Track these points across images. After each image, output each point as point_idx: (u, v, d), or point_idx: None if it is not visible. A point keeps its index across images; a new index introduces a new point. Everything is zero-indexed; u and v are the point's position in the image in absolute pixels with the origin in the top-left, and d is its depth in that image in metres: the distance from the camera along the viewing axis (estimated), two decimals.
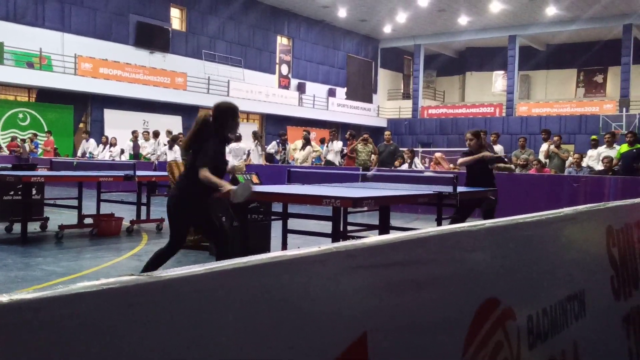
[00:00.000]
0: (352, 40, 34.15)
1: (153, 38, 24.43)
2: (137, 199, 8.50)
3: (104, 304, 0.75)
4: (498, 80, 36.84)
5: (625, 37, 28.39)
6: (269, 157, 15.01)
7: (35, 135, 19.69)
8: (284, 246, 5.97)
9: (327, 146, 14.44)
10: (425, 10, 28.51)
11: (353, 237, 5.63)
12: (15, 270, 5.34)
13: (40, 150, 18.95)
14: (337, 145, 14.34)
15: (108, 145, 17.68)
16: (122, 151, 17.79)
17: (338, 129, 22.77)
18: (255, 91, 27.10)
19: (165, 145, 16.22)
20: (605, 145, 11.90)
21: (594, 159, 11.96)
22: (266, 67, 29.52)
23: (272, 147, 15.25)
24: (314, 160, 14.60)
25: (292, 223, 6.12)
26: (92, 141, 18.38)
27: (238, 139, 14.03)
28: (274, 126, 27.80)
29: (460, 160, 7.49)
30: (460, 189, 5.85)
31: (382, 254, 1.26)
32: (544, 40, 33.39)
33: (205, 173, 4.15)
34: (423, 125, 33.09)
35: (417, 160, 14.69)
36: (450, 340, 1.44)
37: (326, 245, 1.14)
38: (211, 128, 4.35)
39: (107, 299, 0.75)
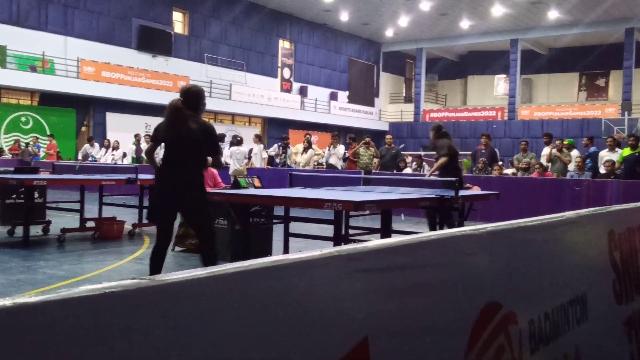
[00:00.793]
0: (354, 44, 34.19)
1: (155, 42, 24.49)
2: (139, 202, 8.51)
3: (107, 307, 0.75)
4: (500, 84, 36.84)
5: (628, 40, 28.39)
6: (270, 160, 15.03)
7: (37, 138, 19.73)
8: (286, 250, 5.97)
9: (329, 150, 14.45)
10: (427, 14, 28.54)
11: (355, 241, 5.63)
12: (17, 274, 5.35)
13: (42, 154, 18.99)
14: (340, 149, 14.34)
15: (110, 149, 17.70)
16: (125, 154, 17.82)
17: (340, 133, 22.79)
18: (258, 95, 27.12)
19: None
20: (607, 149, 11.90)
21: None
22: (268, 71, 29.56)
23: (272, 150, 15.27)
24: (315, 163, 14.60)
25: (294, 226, 6.12)
26: (96, 145, 18.45)
27: (239, 142, 14.05)
28: (276, 130, 27.81)
29: (428, 175, 8.04)
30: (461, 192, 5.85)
31: (383, 258, 1.27)
32: (546, 44, 33.40)
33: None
34: (425, 128, 33.08)
35: (426, 165, 14.67)
36: (452, 344, 1.44)
37: (328, 249, 1.15)
38: (185, 113, 4.43)
39: (110, 302, 0.75)
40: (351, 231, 6.47)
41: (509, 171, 13.27)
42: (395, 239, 1.35)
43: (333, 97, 32.24)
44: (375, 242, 1.29)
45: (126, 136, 19.71)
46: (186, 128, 4.36)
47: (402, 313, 1.28)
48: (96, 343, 0.73)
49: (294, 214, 6.16)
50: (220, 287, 0.90)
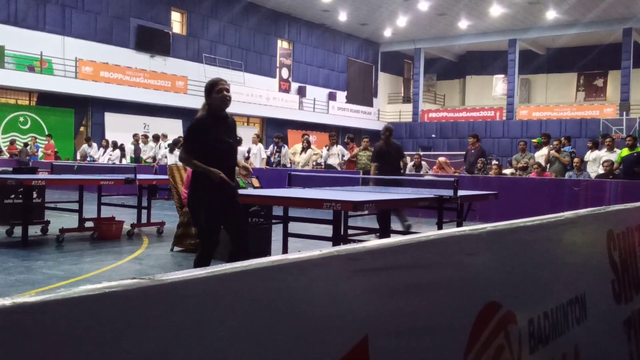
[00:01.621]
0: (353, 44, 34.20)
1: (154, 42, 24.48)
2: (137, 203, 8.50)
3: (106, 307, 0.75)
4: (498, 84, 36.89)
5: (625, 40, 28.44)
6: (268, 160, 15.03)
7: (36, 138, 19.71)
8: (285, 250, 5.97)
9: (327, 150, 14.45)
10: (426, 14, 28.56)
11: (354, 241, 5.63)
12: (16, 274, 5.34)
13: (41, 154, 18.97)
14: (337, 149, 14.35)
15: (110, 149, 17.69)
16: (123, 155, 17.81)
17: (338, 133, 22.79)
18: (256, 95, 27.13)
19: (165, 148, 16.24)
20: (605, 149, 11.92)
21: (540, 157, 12.58)
22: (267, 71, 29.56)
23: (269, 150, 15.27)
24: (314, 163, 14.60)
25: (293, 226, 6.12)
26: (94, 145, 18.45)
27: (238, 142, 14.00)
28: (275, 130, 27.80)
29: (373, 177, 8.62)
30: (460, 192, 5.85)
31: (383, 258, 1.27)
32: (544, 44, 33.45)
33: (181, 156, 4.12)
34: (423, 129, 33.12)
35: (424, 164, 14.67)
36: (452, 344, 1.44)
37: (327, 249, 1.14)
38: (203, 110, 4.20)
39: (110, 302, 0.75)
40: (350, 231, 6.48)
41: (507, 171, 13.30)
42: (394, 239, 1.35)
43: (331, 97, 32.26)
44: (374, 242, 1.29)
45: (125, 136, 19.70)
46: (229, 130, 4.13)
47: (401, 313, 1.28)
48: (96, 343, 0.73)
49: (292, 214, 6.16)
50: (219, 287, 0.90)
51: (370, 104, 35.14)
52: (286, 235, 5.95)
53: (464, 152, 14.35)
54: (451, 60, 37.81)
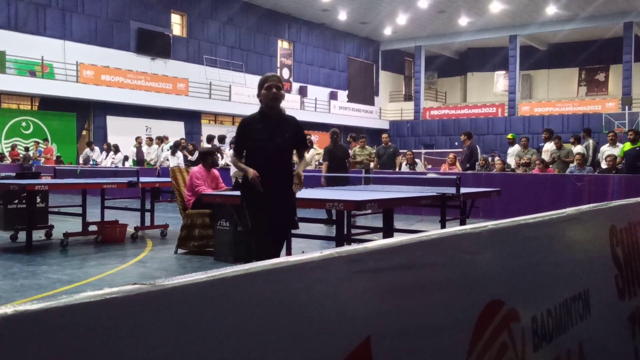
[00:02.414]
0: (353, 43, 34.20)
1: (154, 44, 24.51)
2: (141, 205, 8.52)
3: (107, 313, 0.75)
4: (499, 80, 36.83)
5: (626, 35, 28.36)
6: None
7: (38, 143, 19.76)
8: (288, 251, 5.97)
9: None
10: (425, 12, 28.53)
11: (357, 241, 5.63)
12: (20, 279, 5.35)
13: (42, 159, 19.02)
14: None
15: (112, 152, 17.72)
16: (126, 158, 17.84)
17: (341, 132, 22.77)
18: None
19: (167, 150, 16.26)
20: (608, 144, 11.90)
21: (511, 156, 12.92)
22: (267, 71, 29.39)
23: None
24: (317, 163, 14.60)
25: None
26: (97, 149, 18.48)
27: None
28: None
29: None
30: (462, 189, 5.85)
31: (384, 258, 1.27)
32: (545, 39, 33.39)
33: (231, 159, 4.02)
34: (425, 126, 33.09)
35: (419, 161, 14.67)
36: (455, 343, 1.44)
37: (328, 250, 1.15)
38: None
39: (110, 308, 0.75)
40: (353, 230, 6.48)
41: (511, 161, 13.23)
42: (395, 239, 1.35)
43: (333, 96, 32.25)
44: (376, 242, 1.29)
45: (127, 139, 19.73)
46: (282, 130, 3.91)
47: (404, 313, 1.28)
48: (97, 350, 0.73)
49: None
50: (221, 290, 0.91)
51: (372, 103, 35.12)
52: (289, 235, 5.94)
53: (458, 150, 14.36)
54: (452, 57, 37.77)
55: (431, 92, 37.86)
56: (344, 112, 31.87)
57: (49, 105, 21.54)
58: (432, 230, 1.59)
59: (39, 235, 7.79)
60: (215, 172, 7.43)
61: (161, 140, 17.16)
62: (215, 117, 27.32)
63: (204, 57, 26.60)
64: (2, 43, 19.77)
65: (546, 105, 31.64)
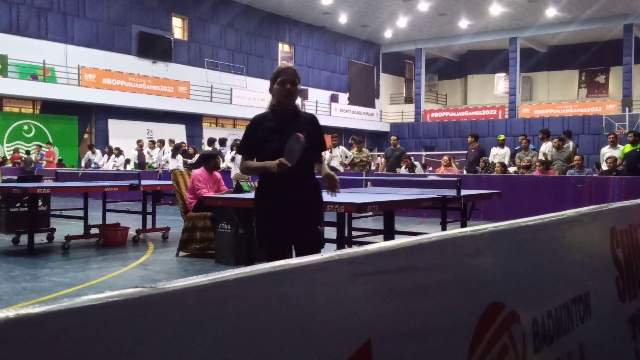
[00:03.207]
0: (353, 46, 34.24)
1: (155, 48, 24.55)
2: (142, 208, 8.53)
3: (109, 316, 0.76)
4: (500, 83, 36.84)
5: (626, 37, 28.37)
6: None
7: (40, 146, 19.79)
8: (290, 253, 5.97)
9: (330, 152, 14.47)
10: (426, 15, 28.56)
11: (358, 243, 5.63)
12: (23, 282, 5.36)
13: (44, 162, 19.04)
14: (340, 151, 14.37)
15: (113, 155, 17.75)
16: (128, 161, 17.85)
17: (341, 135, 22.79)
18: (258, 98, 27.15)
19: (168, 153, 16.28)
20: (609, 146, 11.90)
21: (500, 157, 12.97)
22: (268, 74, 28.94)
23: None
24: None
25: None
26: (98, 152, 18.51)
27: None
28: None
29: None
30: (463, 192, 5.85)
31: (384, 261, 1.27)
32: (545, 41, 33.40)
33: (242, 164, 3.47)
34: (426, 128, 33.10)
35: (418, 164, 14.71)
36: (456, 345, 1.44)
37: (329, 253, 1.15)
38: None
39: (112, 311, 0.76)
40: (354, 232, 6.48)
41: (510, 169, 13.30)
42: (395, 242, 1.35)
43: (334, 99, 32.27)
44: (376, 245, 1.29)
45: (128, 142, 19.76)
46: (298, 129, 3.39)
47: (404, 315, 1.29)
48: (99, 353, 0.74)
49: None
50: (221, 293, 0.91)
51: (373, 105, 35.14)
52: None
53: (466, 152, 14.41)
54: (452, 59, 37.79)
55: (432, 95, 37.88)
56: (345, 114, 31.89)
57: (51, 108, 21.57)
58: (432, 232, 1.60)
59: (40, 238, 7.80)
60: (217, 174, 7.44)
61: (163, 143, 17.18)
62: (217, 120, 27.35)
63: (205, 60, 26.64)
64: (4, 47, 19.81)
65: (546, 107, 31.63)
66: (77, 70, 21.51)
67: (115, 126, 23.02)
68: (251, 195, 6.31)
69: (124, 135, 22.03)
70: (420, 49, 33.99)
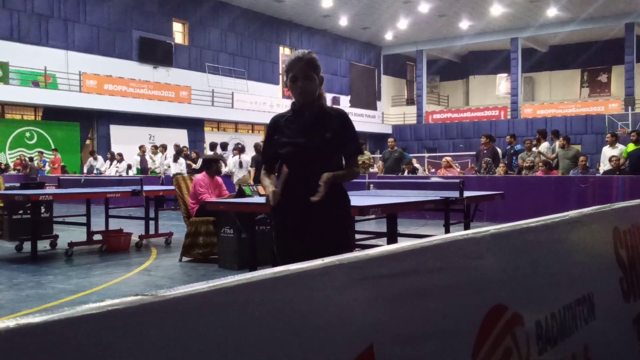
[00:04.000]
0: (354, 48, 34.27)
1: (156, 53, 24.61)
2: (145, 214, 8.53)
3: (110, 325, 0.75)
4: (502, 83, 36.83)
5: (628, 36, 28.36)
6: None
7: (42, 153, 19.83)
8: None
9: None
10: (426, 16, 28.58)
11: (360, 246, 5.62)
12: (26, 289, 5.37)
13: (47, 168, 19.08)
14: None
15: (115, 161, 17.77)
16: (130, 166, 17.87)
17: None
18: (260, 102, 27.20)
19: (170, 158, 16.28)
20: (608, 146, 11.89)
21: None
22: (269, 78, 29.63)
23: None
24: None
25: None
26: (100, 158, 18.54)
27: (242, 150, 14.07)
28: None
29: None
30: (466, 193, 5.84)
31: (386, 265, 1.27)
32: (546, 41, 33.40)
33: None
34: (428, 130, 33.10)
35: (419, 167, 14.72)
36: (459, 349, 1.44)
37: (330, 258, 1.15)
38: None
39: (113, 320, 0.76)
40: (357, 236, 6.47)
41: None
42: (397, 245, 1.35)
43: (335, 101, 32.26)
44: (378, 249, 1.29)
45: (130, 148, 19.79)
46: (314, 126, 2.94)
47: (407, 319, 1.28)
48: None
49: None
50: (222, 300, 0.91)
51: (374, 107, 35.15)
52: None
53: (469, 153, 14.40)
54: (453, 60, 37.80)
55: (433, 96, 37.88)
56: None
57: (53, 115, 21.63)
58: (436, 234, 1.59)
59: (43, 245, 7.81)
60: (219, 179, 7.45)
61: (165, 148, 17.18)
62: (218, 124, 27.38)
63: (206, 64, 26.68)
64: (5, 54, 19.88)
65: (549, 107, 31.61)
66: (78, 76, 21.57)
67: (117, 132, 23.07)
68: (253, 199, 6.32)
69: (126, 141, 22.07)
70: (421, 50, 34.00)
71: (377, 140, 33.32)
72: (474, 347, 1.47)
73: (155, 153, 17.33)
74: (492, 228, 1.69)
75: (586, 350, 2.05)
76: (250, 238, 5.31)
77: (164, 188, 9.34)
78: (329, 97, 28.58)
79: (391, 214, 5.97)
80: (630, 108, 27.14)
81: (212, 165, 7.35)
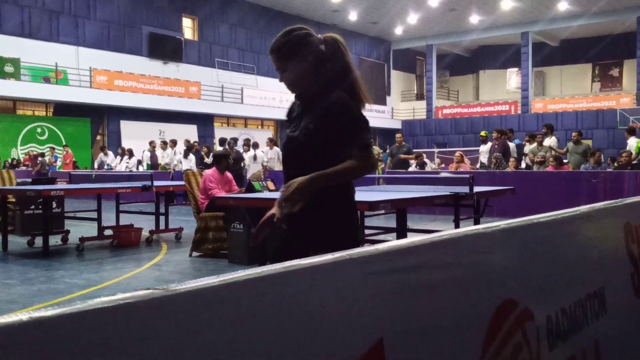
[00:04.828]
0: (364, 43, 34.17)
1: (166, 48, 24.67)
2: (155, 209, 8.57)
3: (121, 318, 0.76)
4: (512, 78, 36.61)
5: (639, 29, 28.11)
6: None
7: (54, 149, 19.95)
8: None
9: None
10: (436, 10, 28.45)
11: (370, 241, 5.62)
12: (38, 284, 5.41)
13: (59, 164, 19.20)
14: None
15: (126, 156, 17.86)
16: (140, 162, 17.95)
17: None
18: (269, 97, 27.20)
19: (180, 154, 16.34)
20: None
21: (485, 154, 13.10)
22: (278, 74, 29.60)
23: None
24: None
25: None
26: (110, 154, 18.64)
27: (255, 145, 14.10)
28: None
29: None
30: (476, 188, 5.82)
31: (396, 260, 1.27)
32: (557, 35, 33.14)
33: None
34: (438, 125, 32.98)
35: (428, 161, 14.68)
36: (468, 344, 1.44)
37: (340, 252, 1.15)
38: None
39: (124, 313, 0.76)
40: (367, 231, 6.48)
41: (522, 164, 13.23)
42: (407, 240, 1.35)
43: None
44: (388, 244, 1.29)
45: (141, 143, 19.87)
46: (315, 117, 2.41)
47: (416, 314, 1.28)
48: (112, 355, 0.74)
49: None
50: (233, 294, 0.91)
51: (384, 103, 35.06)
52: None
53: (478, 148, 14.35)
54: (463, 55, 37.60)
55: (443, 91, 37.72)
56: None
57: (64, 111, 21.75)
58: (445, 229, 1.59)
59: (55, 240, 7.87)
60: (229, 174, 7.47)
61: (175, 143, 17.25)
62: (228, 119, 27.43)
63: (215, 60, 26.72)
64: (17, 50, 20.01)
65: (559, 102, 31.40)
66: (88, 72, 21.67)
67: (127, 127, 23.17)
68: (263, 195, 6.33)
69: (136, 136, 22.17)
70: (430, 45, 33.85)
71: (387, 135, 33.24)
72: (484, 342, 1.47)
73: (164, 149, 17.40)
74: (502, 223, 1.69)
75: (597, 346, 2.04)
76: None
77: (174, 183, 9.38)
78: None
79: (401, 209, 5.96)
80: None
81: (221, 161, 7.37)
